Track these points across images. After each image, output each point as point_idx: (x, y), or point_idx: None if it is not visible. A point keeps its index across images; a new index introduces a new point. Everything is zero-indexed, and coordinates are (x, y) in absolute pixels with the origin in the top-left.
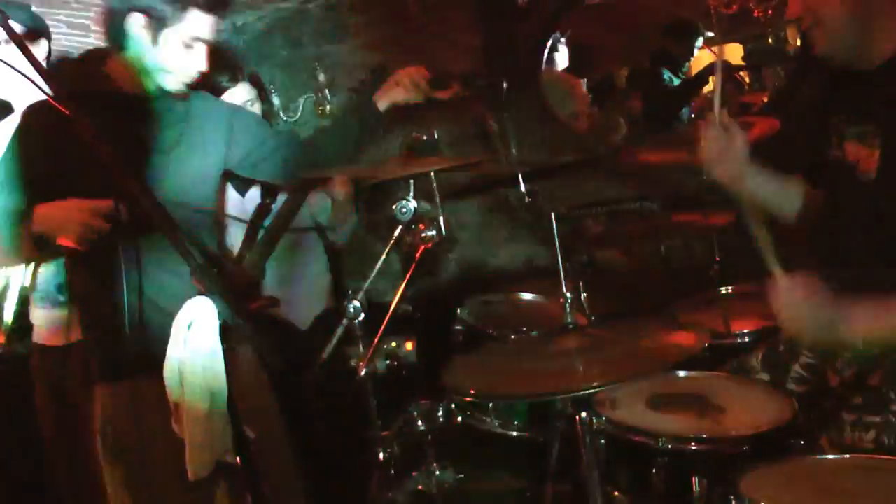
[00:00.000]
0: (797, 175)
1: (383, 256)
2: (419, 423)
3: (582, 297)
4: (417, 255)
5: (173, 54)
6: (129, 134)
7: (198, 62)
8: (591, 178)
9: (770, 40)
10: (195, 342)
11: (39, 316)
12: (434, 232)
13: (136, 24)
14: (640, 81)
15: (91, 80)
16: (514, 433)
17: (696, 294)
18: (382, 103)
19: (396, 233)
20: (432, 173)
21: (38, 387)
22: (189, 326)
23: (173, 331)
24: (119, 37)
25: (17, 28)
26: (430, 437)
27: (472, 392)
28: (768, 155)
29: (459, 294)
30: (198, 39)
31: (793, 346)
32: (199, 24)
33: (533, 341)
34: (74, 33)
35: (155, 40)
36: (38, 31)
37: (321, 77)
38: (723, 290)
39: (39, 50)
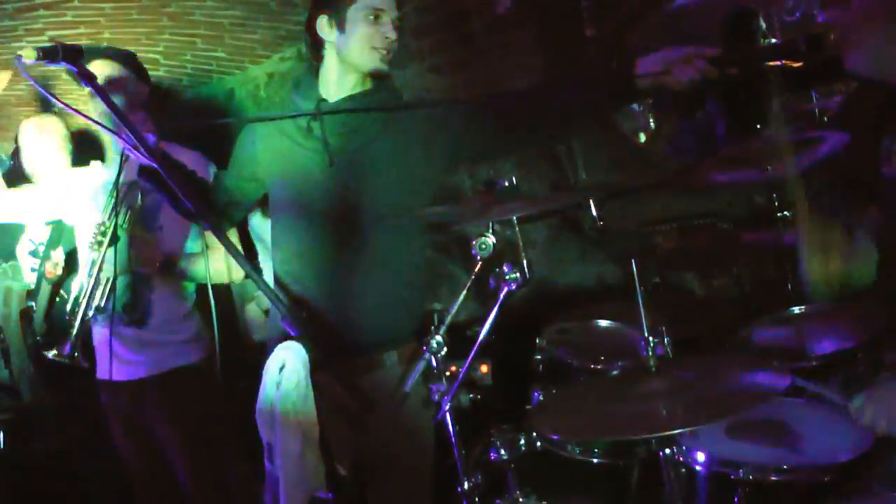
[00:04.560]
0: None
1: (463, 293)
2: (501, 450)
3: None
4: (501, 295)
5: (363, 31)
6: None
7: (387, 31)
8: (660, 195)
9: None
10: (287, 384)
11: (99, 334)
12: (518, 274)
13: (324, 25)
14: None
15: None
16: (595, 460)
17: (769, 314)
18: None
19: (476, 269)
20: (515, 219)
21: (112, 423)
22: (281, 369)
23: (265, 373)
24: (319, 46)
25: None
26: (512, 464)
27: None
28: (835, 171)
29: (531, 313)
30: (378, 9)
31: (871, 368)
32: None
33: (615, 382)
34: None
35: (343, 29)
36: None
37: None
38: (797, 309)
39: (138, 94)
